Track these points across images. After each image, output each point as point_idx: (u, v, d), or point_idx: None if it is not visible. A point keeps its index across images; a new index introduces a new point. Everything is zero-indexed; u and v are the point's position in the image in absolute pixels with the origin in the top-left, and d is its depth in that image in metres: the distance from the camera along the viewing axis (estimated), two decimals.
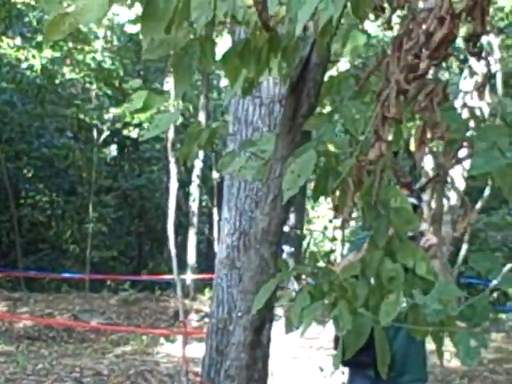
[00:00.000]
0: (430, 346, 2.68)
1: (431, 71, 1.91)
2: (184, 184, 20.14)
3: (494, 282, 2.07)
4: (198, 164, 17.17)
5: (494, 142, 2.03)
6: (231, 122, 5.19)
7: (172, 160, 9.68)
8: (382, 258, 2.35)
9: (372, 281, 2.38)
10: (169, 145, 9.78)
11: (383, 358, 2.48)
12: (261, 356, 5.01)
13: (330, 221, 20.03)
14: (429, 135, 1.90)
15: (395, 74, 1.85)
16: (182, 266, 16.98)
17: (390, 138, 1.93)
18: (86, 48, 16.66)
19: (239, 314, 2.45)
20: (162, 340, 10.50)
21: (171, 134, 9.59)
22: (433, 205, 13.33)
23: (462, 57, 15.40)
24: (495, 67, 12.81)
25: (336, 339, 4.51)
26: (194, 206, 17.59)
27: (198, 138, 2.56)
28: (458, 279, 14.86)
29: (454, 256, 14.77)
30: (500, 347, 11.10)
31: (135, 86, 2.97)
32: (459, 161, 2.04)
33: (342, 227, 2.01)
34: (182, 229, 21.34)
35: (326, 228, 22.56)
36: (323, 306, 2.28)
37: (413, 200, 4.24)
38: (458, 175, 12.57)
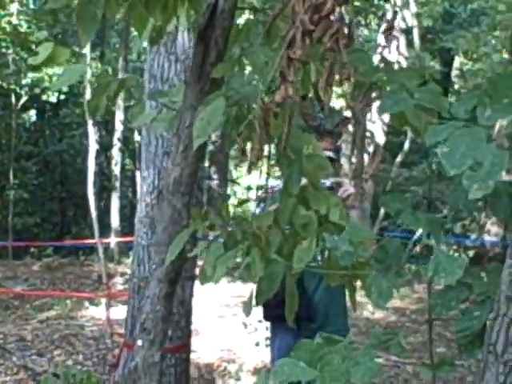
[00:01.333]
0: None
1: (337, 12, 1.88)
2: (106, 148, 19.92)
3: (417, 234, 2.07)
4: (119, 127, 16.99)
5: (402, 83, 2.02)
6: (147, 79, 5.10)
7: (90, 122, 9.52)
8: (295, 205, 2.34)
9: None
10: (86, 107, 9.62)
11: (291, 304, 2.48)
12: (183, 313, 5.01)
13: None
14: (336, 77, 1.89)
15: (300, 14, 1.82)
16: (106, 230, 16.88)
17: (296, 79, 1.90)
18: (1, 11, 16.20)
19: (153, 267, 2.41)
20: (86, 304, 10.41)
21: (88, 95, 9.42)
22: (354, 159, 13.48)
23: (380, 13, 15.52)
24: (412, 22, 12.95)
25: None
26: (116, 169, 17.44)
27: (107, 90, 2.49)
28: (380, 234, 15.12)
29: (376, 211, 15.00)
30: (421, 298, 11.34)
31: (41, 37, 2.87)
32: (368, 103, 2.03)
33: (249, 171, 1.97)
34: (105, 193, 21.16)
35: (249, 188, 22.66)
36: (236, 254, 2.26)
37: (329, 153, 4.26)
38: (378, 130, 12.75)
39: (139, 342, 2.42)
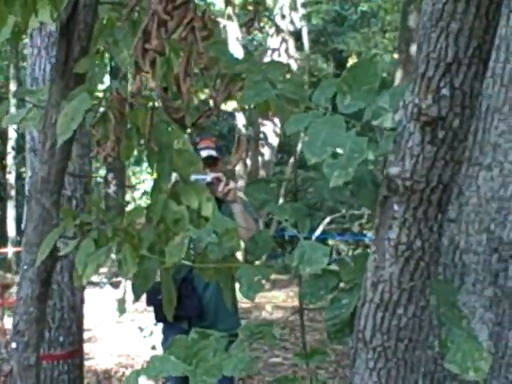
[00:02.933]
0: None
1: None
2: (1, 157, 19.42)
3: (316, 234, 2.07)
4: (13, 135, 16.60)
5: (265, 75, 2.00)
6: (29, 83, 4.96)
7: None
8: (167, 200, 2.29)
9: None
10: None
11: (169, 300, 2.44)
12: (74, 318, 4.89)
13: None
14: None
15: (154, 4, 1.78)
16: (4, 240, 16.43)
17: (152, 70, 1.86)
18: None
19: (25, 267, 2.33)
20: None
21: None
22: (248, 162, 13.58)
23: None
24: (300, 24, 13.07)
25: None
26: (11, 178, 17.01)
27: None
28: (279, 233, 15.19)
29: None
30: None
31: None
32: (230, 94, 2.01)
33: (105, 161, 1.92)
34: (1, 203, 20.61)
35: (146, 193, 22.48)
36: (108, 251, 2.20)
37: (212, 152, 4.25)
38: (270, 132, 12.84)
39: (13, 345, 2.33)
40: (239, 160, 2.06)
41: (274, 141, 12.88)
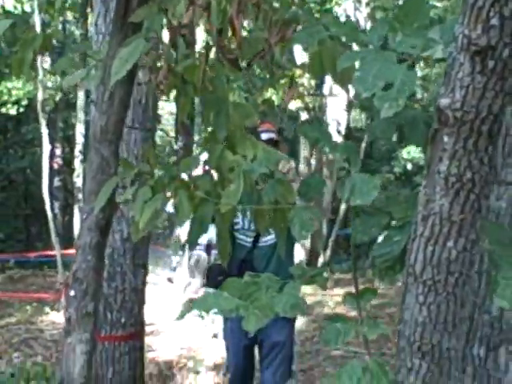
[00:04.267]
0: None
1: None
2: (69, 162, 19.71)
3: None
4: (80, 140, 16.85)
5: (318, 19, 2.03)
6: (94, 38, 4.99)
7: (43, 122, 9.42)
8: (223, 150, 2.33)
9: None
10: (39, 106, 9.49)
11: (224, 247, 2.46)
12: (136, 300, 4.96)
13: None
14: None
15: None
16: (71, 243, 16.66)
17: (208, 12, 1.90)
18: None
19: (84, 216, 2.38)
20: (46, 309, 10.29)
21: (40, 95, 9.33)
22: (312, 161, 13.61)
23: None
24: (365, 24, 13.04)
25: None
26: (78, 181, 17.25)
27: (33, 44, 2.47)
28: (344, 233, 15.12)
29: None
30: (384, 293, 11.31)
31: None
32: (283, 37, 2.04)
33: (157, 89, 1.96)
34: (69, 208, 20.92)
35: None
36: (164, 198, 2.24)
37: (272, 134, 4.31)
38: (334, 131, 12.85)
39: (72, 293, 2.39)
40: (290, 99, 2.08)
41: (338, 139, 12.86)
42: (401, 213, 1.99)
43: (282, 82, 2.80)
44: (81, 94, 15.42)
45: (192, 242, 2.34)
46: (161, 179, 2.28)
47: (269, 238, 4.61)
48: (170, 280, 12.26)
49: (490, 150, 1.75)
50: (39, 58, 8.95)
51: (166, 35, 2.21)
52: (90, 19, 14.01)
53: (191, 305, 2.01)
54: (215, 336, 7.52)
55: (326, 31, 1.98)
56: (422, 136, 1.98)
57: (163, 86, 2.01)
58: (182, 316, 2.08)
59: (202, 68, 2.10)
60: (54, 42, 16.76)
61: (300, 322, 8.54)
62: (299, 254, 11.00)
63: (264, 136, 4.22)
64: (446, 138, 1.75)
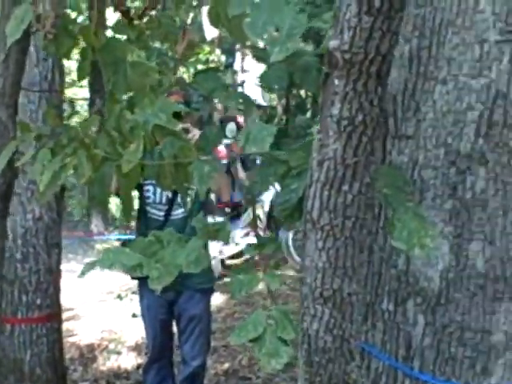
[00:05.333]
0: None
1: None
2: None
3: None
4: None
5: None
6: None
7: None
8: (122, 110, 2.31)
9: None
10: None
11: (127, 206, 2.44)
12: (51, 280, 4.88)
13: None
14: None
15: None
16: None
17: None
18: None
19: None
20: None
21: None
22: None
23: None
24: None
25: None
26: None
27: None
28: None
29: None
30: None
31: None
32: None
33: (45, 39, 1.92)
34: None
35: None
36: (63, 158, 2.21)
37: (181, 106, 4.31)
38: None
39: None
40: (182, 49, 2.07)
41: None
42: (297, 161, 2.00)
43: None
44: None
45: (92, 204, 2.32)
46: (59, 141, 2.24)
47: (180, 212, 4.63)
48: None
49: (380, 91, 1.77)
50: None
51: None
52: None
53: (94, 262, 1.99)
54: (135, 315, 7.50)
55: None
56: (315, 81, 1.99)
57: (51, 35, 1.97)
58: (83, 273, 2.06)
59: (94, 26, 2.07)
60: None
61: (220, 298, 8.57)
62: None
63: None
64: (336, 81, 1.76)
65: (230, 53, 11.80)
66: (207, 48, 14.39)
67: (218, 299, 8.25)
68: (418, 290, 2.59)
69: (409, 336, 2.62)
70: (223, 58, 13.51)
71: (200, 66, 14.30)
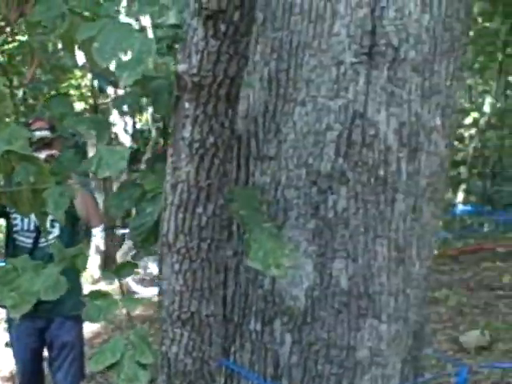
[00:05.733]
0: None
1: None
2: None
3: None
4: None
5: None
6: None
7: None
8: None
9: None
10: None
11: None
12: None
13: None
14: None
15: None
16: None
17: None
18: None
19: None
20: None
21: None
22: None
23: None
24: None
25: None
26: None
27: None
28: None
29: None
30: None
31: None
32: (23, 12, 2.02)
33: None
34: None
35: None
36: None
37: (45, 132, 4.29)
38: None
39: None
40: (32, 71, 2.05)
41: (127, 139, 12.70)
42: (152, 184, 2.02)
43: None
44: None
45: None
46: None
47: (49, 238, 4.57)
48: None
49: (230, 113, 1.81)
50: None
51: None
52: None
53: None
54: (7, 345, 7.33)
55: (66, 4, 1.98)
56: (166, 105, 2.02)
57: None
58: None
59: None
60: None
61: (97, 324, 8.44)
62: (94, 259, 10.85)
63: (37, 134, 4.22)
64: (187, 104, 1.79)
65: (101, 77, 11.71)
66: (79, 73, 14.27)
67: (95, 324, 8.13)
68: (284, 310, 2.63)
69: (276, 355, 2.65)
70: (96, 83, 13.42)
71: (72, 91, 14.19)
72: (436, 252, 12.56)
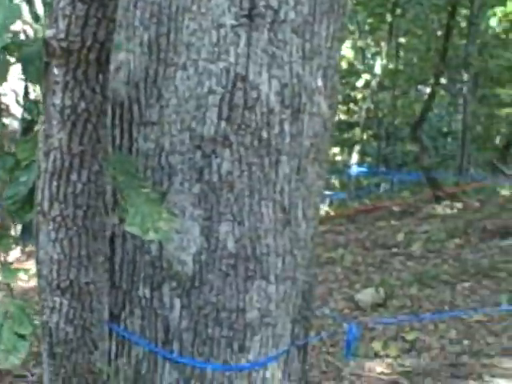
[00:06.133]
0: None
1: None
2: None
3: None
4: None
5: None
6: None
7: None
8: None
9: None
10: None
11: None
12: None
13: None
14: None
15: None
16: None
17: None
18: None
19: None
20: None
21: None
22: None
23: None
24: None
25: None
26: None
27: None
28: None
29: None
30: None
31: None
32: None
33: None
34: None
35: None
36: None
37: None
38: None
39: None
40: None
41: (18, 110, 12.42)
42: (25, 153, 2.00)
43: None
44: None
45: None
46: None
47: None
48: None
49: (101, 78, 1.81)
50: None
51: None
52: None
53: None
54: None
55: None
56: (38, 71, 2.00)
57: None
58: None
59: None
60: None
61: None
62: None
63: None
64: (56, 70, 1.78)
65: None
66: None
67: None
68: (172, 275, 2.64)
69: (166, 320, 2.67)
70: None
71: None
72: (333, 213, 12.81)
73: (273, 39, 2.59)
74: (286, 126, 2.66)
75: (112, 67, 2.69)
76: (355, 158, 18.80)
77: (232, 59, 2.58)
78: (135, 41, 2.64)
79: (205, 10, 2.56)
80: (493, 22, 15.61)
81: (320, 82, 2.71)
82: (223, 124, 2.59)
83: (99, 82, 1.80)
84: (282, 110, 2.64)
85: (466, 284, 6.94)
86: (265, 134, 2.62)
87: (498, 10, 15.59)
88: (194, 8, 2.58)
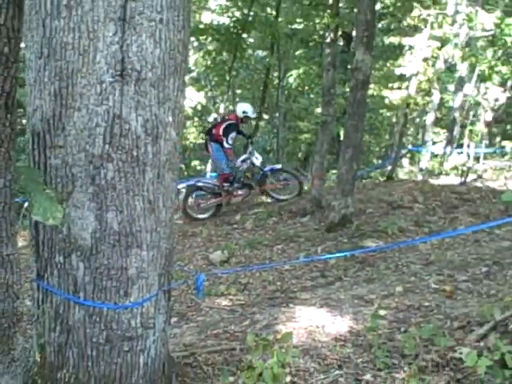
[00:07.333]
0: None
1: None
2: None
3: None
4: None
5: None
6: None
7: None
8: None
9: None
10: None
11: None
12: None
13: None
14: None
15: None
16: None
17: None
18: None
19: None
20: None
21: None
22: None
23: None
24: None
25: None
26: None
27: None
28: None
29: None
30: None
31: None
32: None
33: None
34: None
35: None
36: None
37: None
38: None
39: None
40: None
41: None
42: None
43: None
44: None
45: None
46: None
47: None
48: None
49: (9, 117, 1.70)
50: None
51: None
52: None
53: None
54: None
55: None
56: None
57: None
58: None
59: None
60: None
61: None
62: None
63: None
64: None
65: None
66: None
67: None
68: (77, 247, 2.58)
69: (75, 277, 2.61)
70: None
71: None
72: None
73: (138, 90, 2.57)
74: (149, 148, 2.64)
75: (30, 109, 2.60)
76: None
77: (111, 104, 2.53)
78: (45, 92, 2.55)
79: (91, 71, 2.50)
80: (291, 79, 16.15)
81: (170, 118, 2.70)
82: (107, 147, 2.55)
83: (8, 119, 1.70)
84: (145, 137, 2.62)
85: (279, 246, 7.07)
86: (135, 153, 2.59)
87: (294, 72, 16.19)
88: (84, 69, 2.52)
